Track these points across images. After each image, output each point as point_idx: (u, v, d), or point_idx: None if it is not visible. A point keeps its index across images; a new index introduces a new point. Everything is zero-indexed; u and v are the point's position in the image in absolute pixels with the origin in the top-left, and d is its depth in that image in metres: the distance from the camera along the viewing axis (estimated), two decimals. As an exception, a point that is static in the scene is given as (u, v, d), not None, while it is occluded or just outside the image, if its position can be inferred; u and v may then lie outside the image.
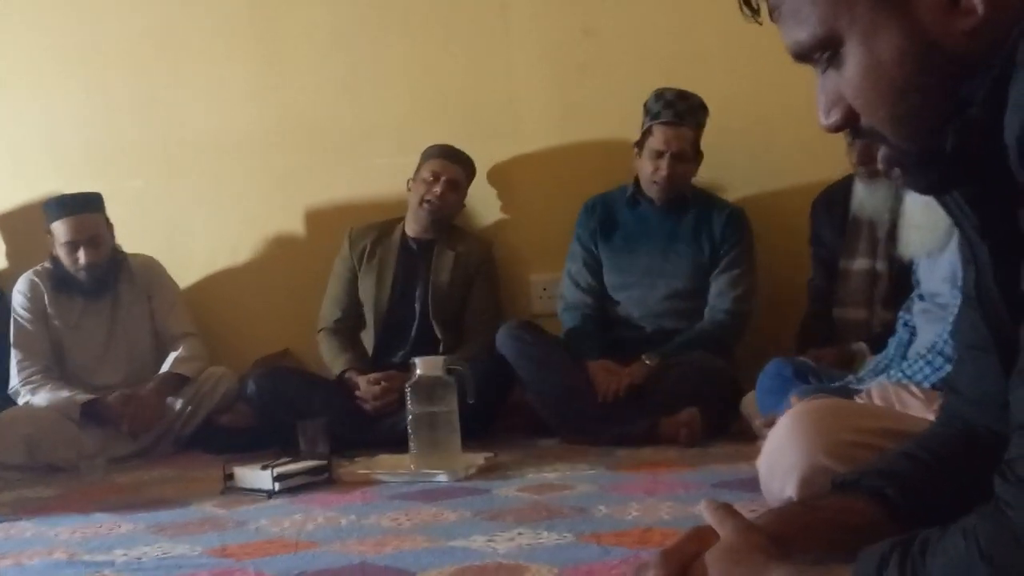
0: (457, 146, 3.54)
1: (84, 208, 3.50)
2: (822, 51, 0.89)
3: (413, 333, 3.50)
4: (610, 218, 3.40)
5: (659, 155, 3.25)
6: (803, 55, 0.91)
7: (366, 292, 3.57)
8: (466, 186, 3.57)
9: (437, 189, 3.46)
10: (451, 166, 3.50)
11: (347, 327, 3.59)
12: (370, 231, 3.61)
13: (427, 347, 3.33)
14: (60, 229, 3.46)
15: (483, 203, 3.74)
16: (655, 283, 3.33)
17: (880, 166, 0.92)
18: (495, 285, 3.64)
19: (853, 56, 0.86)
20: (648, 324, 3.33)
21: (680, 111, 3.23)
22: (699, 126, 3.27)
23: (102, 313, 3.56)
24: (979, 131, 0.82)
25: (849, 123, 0.90)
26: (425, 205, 3.48)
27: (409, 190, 3.55)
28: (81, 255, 3.46)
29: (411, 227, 3.58)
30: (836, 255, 3.10)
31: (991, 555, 0.77)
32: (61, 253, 3.49)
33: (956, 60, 0.83)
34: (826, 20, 0.87)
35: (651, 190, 3.32)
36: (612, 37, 3.60)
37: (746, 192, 3.50)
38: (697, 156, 3.31)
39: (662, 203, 3.34)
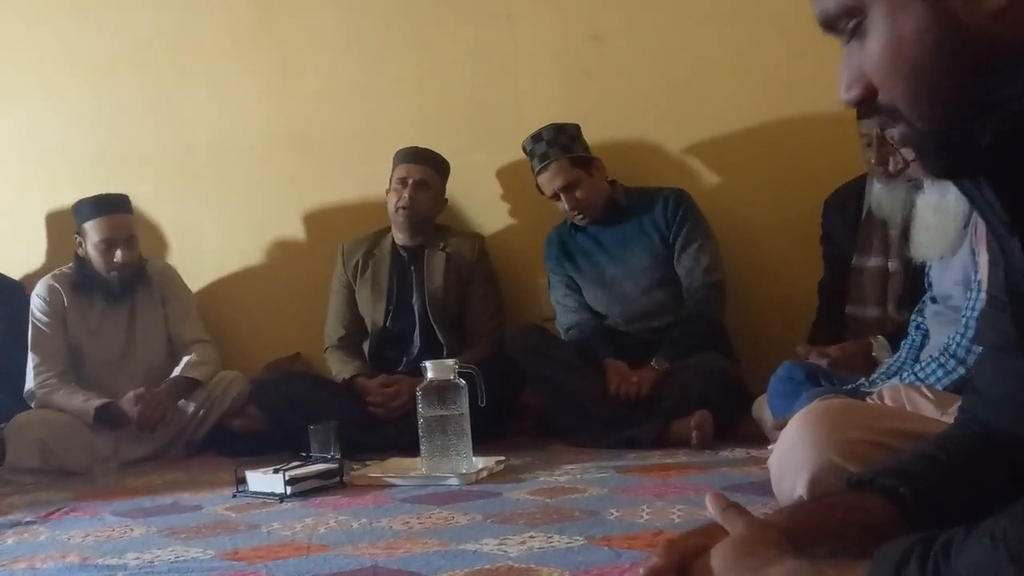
0: (466, 151, 3.53)
1: (119, 208, 3.52)
2: (848, 19, 0.88)
3: (416, 340, 3.49)
4: (566, 245, 3.48)
5: (556, 196, 3.35)
6: (829, 23, 0.90)
7: (364, 305, 3.56)
8: (439, 183, 3.55)
9: (406, 193, 3.45)
10: (417, 167, 3.48)
11: (352, 343, 3.58)
12: (361, 244, 3.61)
13: (432, 353, 3.30)
14: (96, 228, 3.47)
15: (491, 207, 3.74)
16: (624, 287, 3.38)
17: (894, 144, 0.92)
18: (493, 280, 3.62)
19: (876, 28, 0.86)
20: (636, 329, 3.36)
21: (541, 153, 3.33)
22: (567, 150, 3.31)
23: (120, 319, 3.57)
24: (1020, 125, 0.80)
25: (868, 98, 0.89)
26: (400, 211, 3.48)
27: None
28: (118, 254, 3.47)
29: (397, 235, 3.58)
30: (848, 254, 3.09)
31: (1020, 558, 0.75)
32: (94, 253, 3.49)
33: (980, 42, 0.82)
34: None
35: (578, 220, 3.40)
36: (619, 42, 3.60)
37: (751, 194, 3.49)
38: (588, 167, 3.34)
39: (596, 221, 3.41)
